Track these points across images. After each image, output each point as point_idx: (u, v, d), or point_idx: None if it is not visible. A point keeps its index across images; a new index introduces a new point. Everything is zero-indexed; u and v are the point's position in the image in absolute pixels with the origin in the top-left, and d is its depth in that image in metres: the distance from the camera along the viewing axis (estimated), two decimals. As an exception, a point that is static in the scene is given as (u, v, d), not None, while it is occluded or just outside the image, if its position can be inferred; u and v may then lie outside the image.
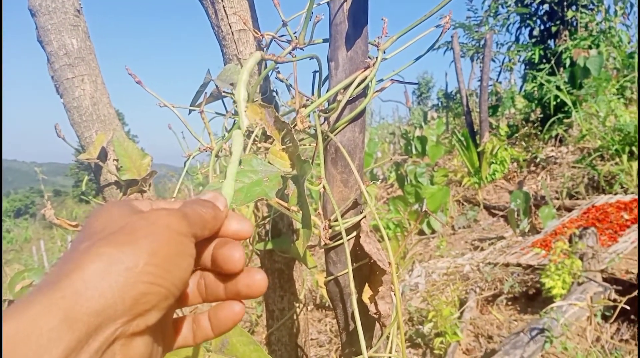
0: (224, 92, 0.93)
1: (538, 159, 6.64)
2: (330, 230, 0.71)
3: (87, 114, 1.17)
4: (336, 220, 0.70)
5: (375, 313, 0.66)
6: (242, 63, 1.01)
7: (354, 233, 0.72)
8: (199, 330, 0.42)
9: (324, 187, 0.64)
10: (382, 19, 0.70)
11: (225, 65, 1.02)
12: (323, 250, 0.75)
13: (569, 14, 7.38)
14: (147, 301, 0.33)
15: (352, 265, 0.72)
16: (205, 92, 0.92)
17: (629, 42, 7.43)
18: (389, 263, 0.63)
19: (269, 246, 1.01)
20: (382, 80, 0.79)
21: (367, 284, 0.71)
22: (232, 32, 1.01)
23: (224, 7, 1.00)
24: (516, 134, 7.69)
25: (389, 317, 0.66)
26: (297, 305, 1.07)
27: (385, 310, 0.66)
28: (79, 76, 1.17)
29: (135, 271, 0.32)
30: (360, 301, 0.70)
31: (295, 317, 1.08)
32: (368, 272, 0.71)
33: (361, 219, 0.71)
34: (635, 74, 6.43)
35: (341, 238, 0.72)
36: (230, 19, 1.00)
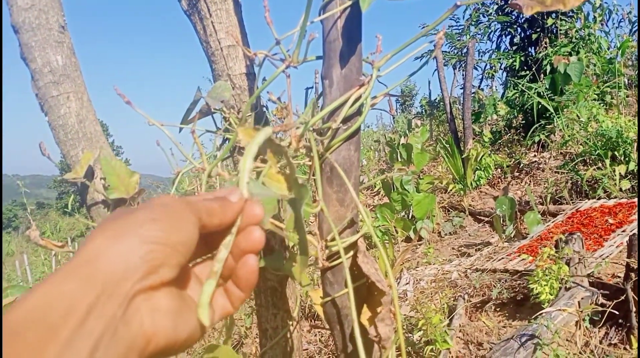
0: (214, 109, 0.92)
1: (521, 165, 6.71)
2: (326, 251, 0.69)
3: (73, 132, 1.15)
4: (333, 240, 0.69)
5: (375, 337, 0.65)
6: (232, 79, 1.00)
7: (351, 253, 0.71)
8: (233, 297, 0.46)
9: (321, 209, 0.63)
10: (376, 36, 0.70)
11: (215, 82, 1.00)
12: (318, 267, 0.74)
13: (549, 21, 7.48)
14: (154, 258, 0.37)
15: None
16: (196, 111, 0.91)
17: (608, 48, 7.55)
18: (389, 286, 0.62)
19: (261, 264, 0.99)
20: (375, 97, 0.78)
21: (365, 305, 0.70)
22: (221, 48, 0.99)
23: (212, 22, 0.99)
24: (499, 141, 7.76)
25: (389, 340, 0.65)
26: (291, 323, 1.06)
27: (385, 333, 0.64)
28: (64, 93, 1.14)
29: (137, 236, 0.37)
30: (359, 323, 0.68)
31: (289, 335, 1.06)
32: (366, 293, 0.70)
33: (358, 239, 0.70)
34: (616, 79, 6.53)
35: (337, 258, 0.71)
36: (219, 35, 0.99)
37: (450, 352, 3.05)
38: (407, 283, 4.27)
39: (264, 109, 1.05)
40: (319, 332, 3.76)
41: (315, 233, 0.70)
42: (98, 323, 0.32)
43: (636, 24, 8.28)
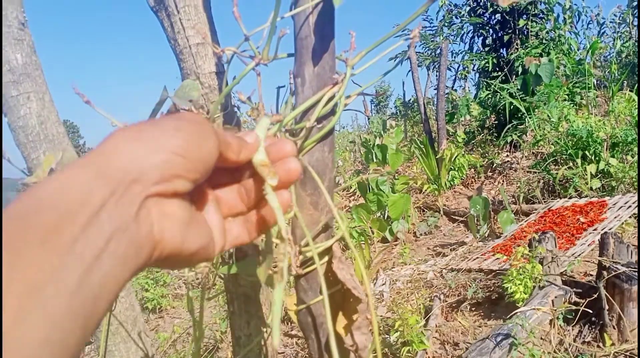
0: (181, 109, 0.88)
1: (494, 165, 6.78)
2: (300, 256, 0.66)
3: (34, 133, 1.09)
4: (307, 245, 0.66)
5: (351, 346, 0.62)
6: (200, 78, 0.96)
7: (326, 258, 0.68)
8: (252, 227, 0.47)
9: (294, 214, 0.60)
10: (349, 33, 0.67)
11: (183, 80, 0.96)
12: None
13: (521, 23, 7.60)
14: (171, 167, 0.36)
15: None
16: (162, 112, 0.87)
17: (577, 50, 7.69)
18: (366, 293, 0.59)
19: (233, 269, 0.96)
20: (348, 96, 0.75)
21: (340, 313, 0.67)
22: (189, 46, 0.95)
23: (180, 19, 0.95)
24: (473, 141, 7.84)
25: (365, 349, 0.62)
26: (265, 330, 1.02)
27: (362, 342, 0.62)
28: (24, 93, 1.09)
29: (158, 142, 0.36)
30: (334, 332, 0.65)
31: (263, 343, 1.03)
32: (341, 300, 0.67)
33: (333, 244, 0.67)
34: (585, 80, 6.66)
35: (311, 264, 0.68)
36: (187, 32, 0.95)
37: (426, 353, 3.05)
38: (383, 284, 4.27)
39: (235, 109, 1.01)
40: (295, 333, 3.73)
41: (289, 239, 0.67)
42: (113, 216, 0.32)
43: (604, 25, 8.48)
